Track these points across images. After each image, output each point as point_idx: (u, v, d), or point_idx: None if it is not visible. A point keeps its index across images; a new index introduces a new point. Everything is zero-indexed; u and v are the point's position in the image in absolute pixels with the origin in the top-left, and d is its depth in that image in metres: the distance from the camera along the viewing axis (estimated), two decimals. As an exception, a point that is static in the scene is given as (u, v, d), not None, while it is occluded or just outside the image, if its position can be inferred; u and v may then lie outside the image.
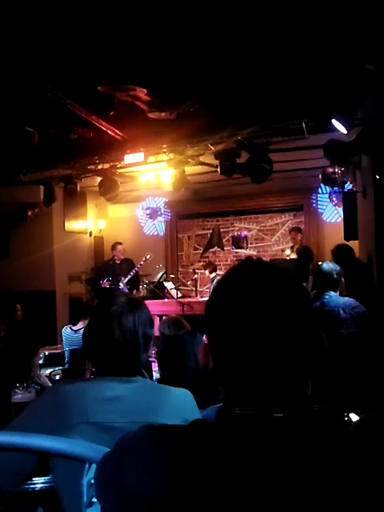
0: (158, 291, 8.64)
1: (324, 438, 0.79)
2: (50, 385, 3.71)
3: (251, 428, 0.80)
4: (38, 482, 1.60)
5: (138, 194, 9.46)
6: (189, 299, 8.43)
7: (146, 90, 4.66)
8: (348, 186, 6.60)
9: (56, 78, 4.72)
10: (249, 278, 0.85)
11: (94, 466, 1.37)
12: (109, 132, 5.87)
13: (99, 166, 7.13)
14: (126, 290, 8.04)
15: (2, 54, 4.16)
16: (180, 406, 1.59)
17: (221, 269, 9.28)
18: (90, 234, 10.20)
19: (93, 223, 10.26)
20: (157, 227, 10.25)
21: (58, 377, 5.00)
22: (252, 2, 3.49)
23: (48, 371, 4.68)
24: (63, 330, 5.82)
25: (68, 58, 4.35)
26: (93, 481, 1.32)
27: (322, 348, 0.88)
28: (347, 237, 5.96)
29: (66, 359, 5.68)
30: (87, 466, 1.39)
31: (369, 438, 0.81)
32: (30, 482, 1.58)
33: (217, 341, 0.85)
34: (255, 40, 4.10)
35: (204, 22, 3.72)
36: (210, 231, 9.99)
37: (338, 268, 3.60)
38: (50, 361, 5.78)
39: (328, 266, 3.63)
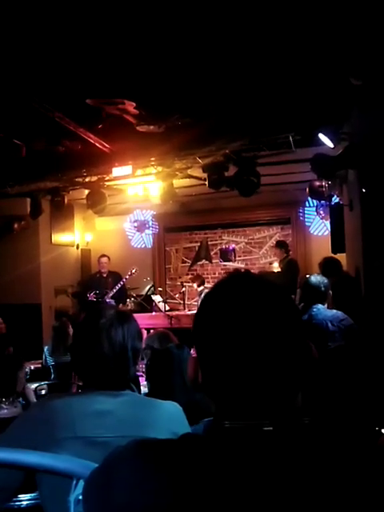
0: (146, 304, 8.62)
1: (314, 451, 0.79)
2: (35, 400, 3.66)
3: (241, 441, 0.80)
4: (24, 499, 1.57)
5: (126, 207, 9.46)
6: (177, 312, 8.41)
7: (134, 104, 4.69)
8: (335, 199, 6.67)
9: (44, 90, 4.73)
10: (237, 291, 0.85)
11: (81, 482, 1.36)
12: (97, 145, 5.89)
13: (87, 179, 7.13)
14: (113, 304, 8.00)
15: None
16: (169, 419, 1.58)
17: (209, 282, 9.28)
18: (77, 247, 10.17)
19: (80, 236, 10.23)
20: (144, 240, 10.25)
21: (43, 391, 4.94)
22: (240, 17, 3.54)
23: (34, 386, 4.62)
24: (45, 349, 5.80)
25: (56, 70, 4.37)
26: (80, 497, 1.31)
27: (311, 360, 0.88)
28: (334, 249, 6.00)
29: (52, 373, 5.64)
30: (74, 482, 1.37)
31: (360, 451, 0.81)
32: (15, 498, 1.55)
33: (206, 354, 0.85)
34: (243, 54, 4.16)
35: (192, 36, 3.76)
36: (198, 244, 10.02)
37: (326, 281, 3.62)
38: (36, 375, 5.72)
39: (316, 278, 3.65)
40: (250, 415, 0.82)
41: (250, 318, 0.82)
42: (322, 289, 3.56)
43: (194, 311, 8.28)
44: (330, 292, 3.63)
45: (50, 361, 5.65)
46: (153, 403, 1.62)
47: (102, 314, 1.67)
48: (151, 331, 3.72)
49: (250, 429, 0.80)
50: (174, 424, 1.57)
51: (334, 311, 3.56)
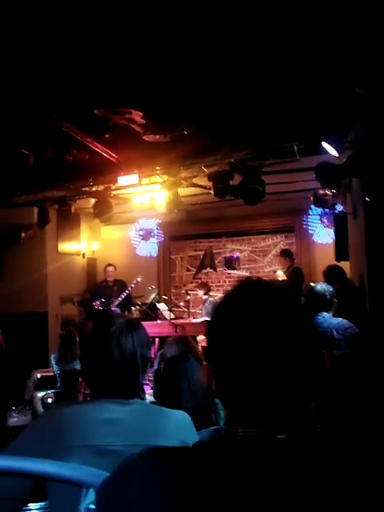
0: (151, 312, 8.60)
1: (328, 459, 0.78)
2: (42, 409, 3.65)
3: (255, 449, 0.79)
4: (34, 508, 1.56)
5: (132, 216, 9.48)
6: (182, 320, 8.39)
7: (141, 113, 4.71)
8: (339, 207, 6.67)
9: (52, 101, 4.76)
10: (250, 299, 0.85)
11: (91, 490, 1.35)
12: (103, 154, 5.91)
13: (93, 188, 7.15)
14: (118, 312, 8.00)
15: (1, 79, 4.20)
16: (179, 428, 1.57)
17: (213, 290, 9.27)
18: (83, 256, 10.18)
19: (86, 245, 10.25)
20: (149, 248, 10.24)
21: (50, 400, 4.93)
22: (245, 26, 3.56)
23: (40, 394, 4.60)
24: (52, 358, 5.79)
25: (63, 81, 4.40)
26: (90, 506, 1.30)
27: (323, 367, 0.88)
28: (338, 258, 5.99)
29: (58, 382, 5.62)
30: (84, 490, 1.36)
31: (374, 458, 0.81)
32: (25, 507, 1.54)
33: (219, 362, 0.85)
34: (248, 64, 4.18)
35: (198, 46, 3.78)
36: (203, 252, 10.02)
37: (331, 289, 3.61)
38: (42, 383, 5.70)
39: (321, 286, 3.64)
40: (264, 423, 0.81)
41: (263, 325, 0.81)
42: (327, 297, 3.55)
43: (199, 319, 8.31)
44: (335, 300, 3.61)
45: (57, 369, 5.64)
46: (162, 412, 1.61)
47: (112, 322, 1.66)
48: (169, 338, 3.72)
49: (263, 437, 0.80)
50: (183, 433, 1.56)
51: (340, 319, 3.54)
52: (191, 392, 2.59)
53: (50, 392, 5.11)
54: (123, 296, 8.04)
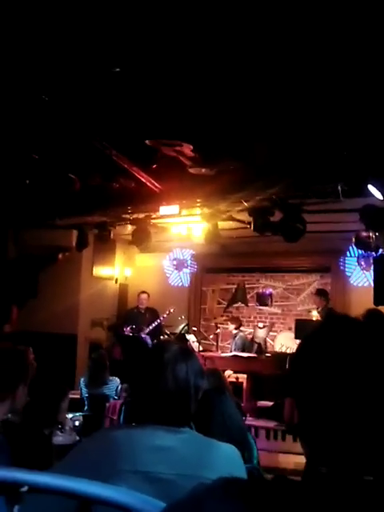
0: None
1: None
2: (71, 431, 3.64)
3: (340, 489, 0.78)
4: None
5: (167, 245, 9.57)
6: (210, 353, 8.32)
7: (191, 146, 4.81)
8: (380, 250, 6.59)
9: (103, 128, 4.91)
10: (342, 334, 0.85)
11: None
12: (147, 184, 6.02)
13: (134, 216, 7.26)
14: (148, 340, 8.00)
15: (56, 103, 4.37)
16: (228, 460, 1.55)
17: (244, 325, 9.19)
18: (116, 281, 10.26)
19: (119, 270, 10.34)
20: (182, 278, 10.27)
21: (77, 423, 4.92)
22: (297, 61, 3.62)
23: (69, 416, 4.60)
24: (82, 381, 5.80)
25: (116, 109, 4.55)
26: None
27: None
28: (377, 301, 5.89)
29: (86, 405, 5.62)
30: (133, 517, 1.34)
31: None
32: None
33: (306, 396, 0.84)
34: (297, 102, 4.24)
35: (252, 80, 3.87)
36: (235, 286, 9.97)
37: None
38: (69, 406, 5.72)
39: None
40: (348, 463, 0.80)
41: (354, 362, 0.81)
42: None
43: (228, 354, 8.22)
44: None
45: (85, 392, 5.65)
46: (212, 443, 1.59)
47: (167, 348, 1.67)
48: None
49: (349, 477, 0.78)
50: (232, 466, 1.54)
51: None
52: (225, 427, 2.55)
53: (77, 414, 5.11)
54: (155, 324, 8.05)
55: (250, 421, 6.56)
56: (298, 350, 0.91)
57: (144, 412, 1.64)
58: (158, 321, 8.20)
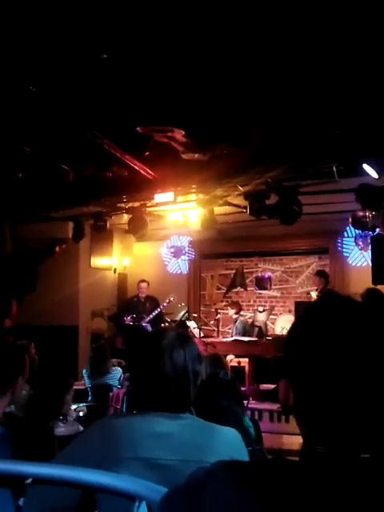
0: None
1: None
2: (74, 422, 3.66)
3: (338, 468, 0.78)
4: (83, 519, 1.55)
5: (164, 233, 9.55)
6: (211, 339, 8.35)
7: (183, 132, 4.77)
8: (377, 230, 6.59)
9: (94, 117, 4.86)
10: (335, 313, 0.84)
11: (144, 503, 1.33)
12: (141, 171, 5.99)
13: (129, 205, 7.23)
14: (149, 328, 8.02)
15: (45, 94, 4.32)
16: (230, 445, 1.55)
17: (244, 309, 9.21)
18: (115, 271, 10.27)
19: (118, 260, 10.34)
20: (180, 266, 10.28)
21: (82, 413, 4.95)
22: (287, 43, 3.57)
23: (73, 407, 4.62)
24: (84, 371, 5.82)
25: (106, 98, 4.50)
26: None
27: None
28: (376, 280, 5.89)
29: (89, 395, 5.64)
30: (137, 503, 1.35)
31: None
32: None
33: (300, 378, 0.84)
34: (289, 84, 4.20)
35: (242, 65, 3.83)
36: (234, 271, 9.98)
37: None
38: (73, 397, 5.74)
39: None
40: (345, 441, 0.79)
41: (350, 340, 0.80)
42: None
43: (229, 338, 8.25)
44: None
45: (88, 383, 5.67)
46: (213, 428, 1.60)
47: (164, 335, 1.67)
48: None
49: (346, 455, 0.78)
50: (234, 450, 1.54)
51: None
52: (232, 411, 2.56)
53: (81, 405, 5.14)
54: (155, 313, 8.06)
55: (253, 404, 6.61)
56: (291, 330, 0.90)
57: (144, 399, 1.64)
58: (159, 309, 8.22)
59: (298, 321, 0.88)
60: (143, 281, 8.56)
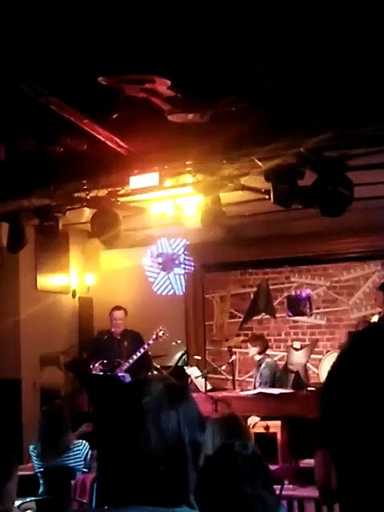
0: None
1: None
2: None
3: None
4: None
5: (147, 234, 9.57)
6: (224, 393, 8.35)
7: (169, 82, 4.80)
8: None
9: (34, 65, 4.90)
10: None
11: None
12: (108, 143, 6.01)
13: (92, 194, 7.25)
14: (129, 378, 8.01)
15: None
16: None
17: (272, 347, 9.21)
18: (74, 295, 10.27)
19: (77, 278, 10.36)
20: (173, 283, 10.29)
21: (30, 512, 4.96)
22: None
23: (17, 503, 4.63)
24: (31, 449, 5.83)
25: (53, 37, 4.54)
26: None
27: None
28: None
29: (41, 485, 5.65)
30: None
31: None
32: None
33: (345, 449, 0.85)
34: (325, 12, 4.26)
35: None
36: (255, 289, 10.00)
37: None
38: (18, 487, 5.76)
39: None
40: None
41: None
42: None
43: (251, 391, 8.21)
44: None
45: (38, 465, 5.68)
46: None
47: (146, 389, 1.69)
48: (212, 416, 3.75)
49: None
50: None
51: None
52: (260, 501, 2.57)
53: (28, 500, 5.15)
54: (137, 356, 8.05)
55: (290, 490, 6.60)
56: (330, 374, 0.92)
57: (121, 488, 1.66)
58: (142, 350, 8.21)
59: (341, 359, 0.90)
60: (118, 308, 8.56)
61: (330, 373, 0.92)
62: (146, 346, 8.19)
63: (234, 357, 9.01)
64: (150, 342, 8.21)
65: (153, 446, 1.60)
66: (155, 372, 8.73)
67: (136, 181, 6.60)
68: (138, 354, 8.13)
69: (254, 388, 8.33)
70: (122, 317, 8.47)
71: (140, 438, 1.60)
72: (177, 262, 10.30)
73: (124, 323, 8.50)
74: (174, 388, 1.74)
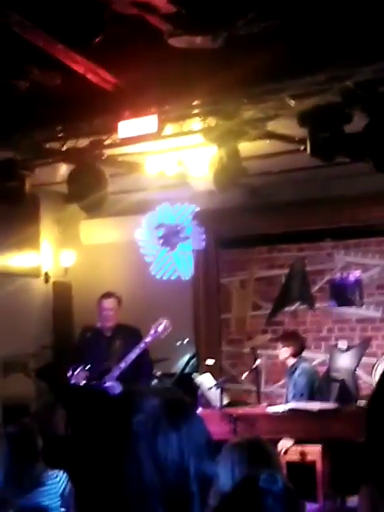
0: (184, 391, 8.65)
1: None
2: None
3: None
4: None
5: (142, 199, 9.59)
6: (246, 409, 8.41)
7: (168, -5, 4.82)
8: None
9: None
10: None
11: None
12: (89, 77, 6.02)
13: (68, 144, 7.28)
14: (119, 389, 8.04)
15: None
16: None
17: (310, 347, 9.25)
18: (46, 279, 10.32)
19: (51, 257, 10.41)
20: (177, 263, 10.33)
21: None
22: None
23: None
24: None
25: None
26: None
27: None
28: None
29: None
30: None
31: None
32: None
33: None
34: None
35: None
36: (286, 272, 10.06)
37: None
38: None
39: None
40: None
41: None
42: None
43: (281, 406, 8.23)
44: None
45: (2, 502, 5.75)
46: None
47: (138, 405, 1.71)
48: (229, 441, 3.78)
49: None
50: None
51: None
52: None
53: None
54: (131, 358, 8.07)
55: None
56: (378, 389, 0.94)
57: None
58: (140, 348, 8.20)
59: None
60: (108, 295, 8.52)
61: (379, 383, 0.94)
62: (143, 344, 8.16)
63: (258, 361, 9.09)
64: (147, 340, 8.17)
65: (148, 481, 1.62)
66: (155, 381, 8.78)
67: (127, 127, 6.60)
68: (133, 357, 8.12)
69: (286, 402, 8.37)
70: (113, 306, 8.42)
71: (131, 469, 1.63)
72: (182, 235, 10.32)
73: (116, 315, 8.45)
74: (175, 403, 1.76)
